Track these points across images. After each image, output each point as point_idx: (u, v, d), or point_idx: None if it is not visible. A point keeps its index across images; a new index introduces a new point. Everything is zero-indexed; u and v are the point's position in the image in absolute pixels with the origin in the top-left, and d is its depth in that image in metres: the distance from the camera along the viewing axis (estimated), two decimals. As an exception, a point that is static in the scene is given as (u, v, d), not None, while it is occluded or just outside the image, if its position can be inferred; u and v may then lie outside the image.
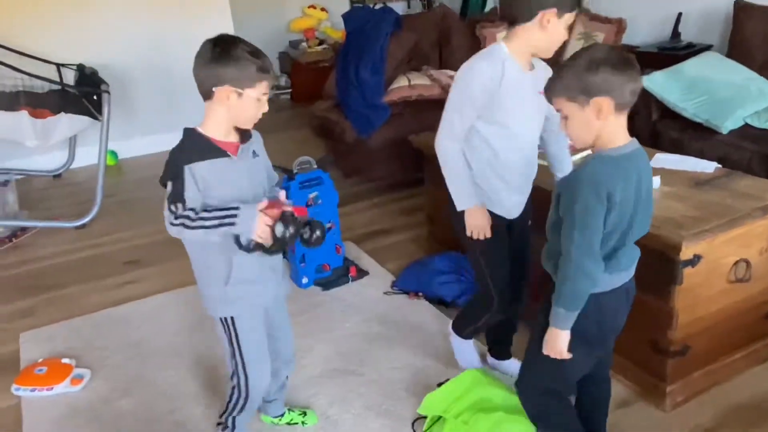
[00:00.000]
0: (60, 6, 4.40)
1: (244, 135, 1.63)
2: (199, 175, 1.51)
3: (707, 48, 3.81)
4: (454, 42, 4.34)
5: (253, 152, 1.65)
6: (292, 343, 1.94)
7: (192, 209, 1.50)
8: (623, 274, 1.54)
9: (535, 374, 1.69)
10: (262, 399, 1.89)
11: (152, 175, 4.41)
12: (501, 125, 1.82)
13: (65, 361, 2.39)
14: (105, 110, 3.66)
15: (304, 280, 2.89)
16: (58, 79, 4.11)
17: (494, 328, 2.18)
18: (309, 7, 6.33)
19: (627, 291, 1.58)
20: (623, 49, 1.47)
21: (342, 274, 2.94)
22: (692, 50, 3.80)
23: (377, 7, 4.22)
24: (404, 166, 3.82)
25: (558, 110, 1.47)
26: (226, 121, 1.58)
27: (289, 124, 5.49)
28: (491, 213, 1.92)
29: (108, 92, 3.68)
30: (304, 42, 6.24)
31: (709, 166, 2.26)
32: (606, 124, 1.41)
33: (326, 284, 2.89)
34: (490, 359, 2.29)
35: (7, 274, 3.23)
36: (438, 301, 2.69)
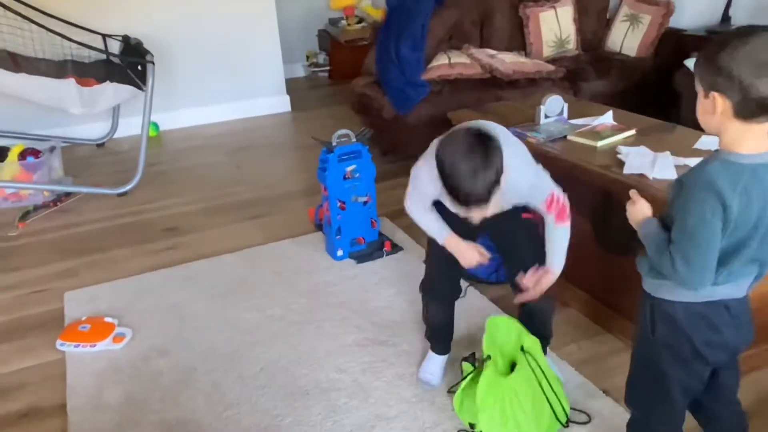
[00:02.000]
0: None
1: None
2: None
3: (759, 32, 3.69)
4: (496, 21, 4.29)
5: None
6: None
7: None
8: (720, 288, 1.34)
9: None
10: None
11: (191, 147, 4.58)
12: None
13: (108, 319, 2.47)
14: (149, 80, 3.72)
15: (339, 253, 2.92)
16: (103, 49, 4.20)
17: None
18: (350, -16, 6.31)
19: (727, 308, 1.36)
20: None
21: (377, 248, 2.96)
22: (743, 34, 3.68)
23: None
24: (441, 144, 3.81)
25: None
26: None
27: (328, 101, 5.52)
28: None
29: (153, 63, 3.74)
30: (344, 20, 6.23)
31: (756, 150, 2.20)
32: (726, 125, 1.23)
33: (360, 257, 2.92)
34: None
35: (51, 236, 3.33)
36: (472, 278, 2.69)
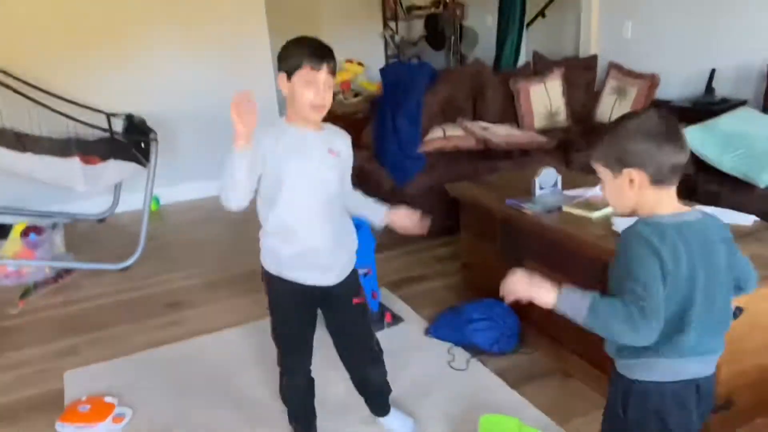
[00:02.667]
0: (108, 59, 4.64)
1: None
2: None
3: (742, 103, 3.84)
4: (488, 95, 4.45)
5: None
6: None
7: None
8: (690, 364, 1.37)
9: None
10: None
11: (192, 220, 4.64)
12: None
13: (108, 399, 2.45)
14: (152, 157, 3.81)
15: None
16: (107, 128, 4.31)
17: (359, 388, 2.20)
18: (346, 61, 6.55)
19: (698, 387, 1.39)
20: (672, 119, 1.38)
21: (377, 319, 2.97)
22: (726, 105, 3.83)
23: (413, 61, 4.35)
24: (438, 214, 3.83)
25: (597, 173, 1.41)
26: None
27: (325, 172, 5.62)
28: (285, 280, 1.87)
29: (156, 140, 3.84)
30: (341, 94, 6.43)
31: (747, 219, 2.27)
32: (642, 195, 1.34)
33: (362, 330, 2.92)
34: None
35: (52, 313, 3.33)
36: (473, 348, 2.70)
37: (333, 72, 1.74)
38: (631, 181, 1.34)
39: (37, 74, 4.22)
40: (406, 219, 1.99)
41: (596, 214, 2.43)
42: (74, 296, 3.51)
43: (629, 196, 1.36)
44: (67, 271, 3.77)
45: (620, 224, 2.28)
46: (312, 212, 1.82)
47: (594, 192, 2.63)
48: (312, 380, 2.09)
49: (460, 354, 2.68)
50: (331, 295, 1.93)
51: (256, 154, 1.67)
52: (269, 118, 5.33)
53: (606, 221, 2.37)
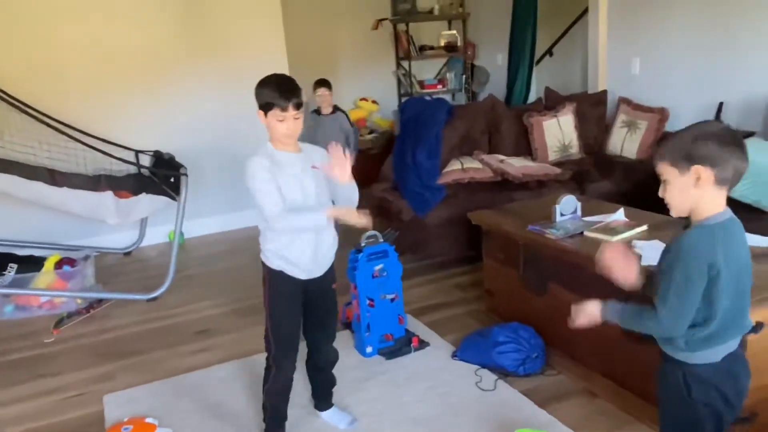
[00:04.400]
0: (133, 99, 4.84)
1: None
2: None
3: (750, 135, 3.97)
4: (502, 129, 4.60)
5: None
6: None
7: None
8: (735, 341, 1.59)
9: None
10: None
11: (217, 252, 4.77)
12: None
13: (149, 420, 2.54)
14: (182, 191, 3.95)
15: (369, 349, 3.01)
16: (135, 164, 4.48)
17: (312, 379, 2.53)
18: (361, 99, 6.77)
19: (738, 356, 1.61)
20: (739, 132, 1.56)
21: (404, 344, 3.06)
22: (735, 136, 3.96)
23: (430, 98, 4.53)
24: (458, 243, 4.00)
25: (660, 174, 1.53)
26: None
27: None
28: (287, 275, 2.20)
29: (186, 175, 4.00)
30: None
31: (763, 241, 2.38)
32: (704, 194, 1.47)
33: (389, 353, 3.01)
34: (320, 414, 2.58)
35: (86, 341, 3.43)
36: (499, 371, 2.77)
37: (299, 105, 2.07)
38: (698, 178, 1.45)
39: (65, 113, 4.40)
40: (352, 216, 2.19)
41: (617, 238, 2.54)
42: (106, 325, 3.62)
43: (692, 194, 1.48)
44: (99, 302, 3.88)
45: (642, 248, 2.39)
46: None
47: (614, 218, 2.75)
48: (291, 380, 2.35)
49: (487, 375, 2.76)
50: (317, 284, 2.27)
51: (273, 183, 2.08)
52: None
53: (627, 244, 2.47)
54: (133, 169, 4.31)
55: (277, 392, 2.32)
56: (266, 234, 2.20)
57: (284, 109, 2.04)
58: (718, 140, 1.44)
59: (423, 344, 3.09)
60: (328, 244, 2.26)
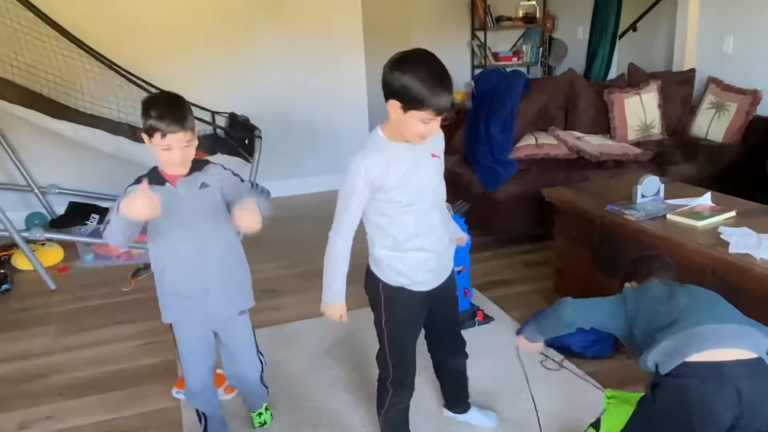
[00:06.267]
0: (214, 62, 4.91)
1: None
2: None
3: None
4: (580, 105, 4.45)
5: (202, 184, 1.91)
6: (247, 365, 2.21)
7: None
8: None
9: None
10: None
11: (283, 217, 4.82)
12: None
13: (219, 371, 2.61)
14: (256, 153, 4.02)
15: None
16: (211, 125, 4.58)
17: (444, 381, 2.28)
18: (433, 68, 6.66)
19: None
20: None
21: (469, 317, 3.04)
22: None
23: (506, 71, 4.41)
24: (527, 220, 3.93)
25: None
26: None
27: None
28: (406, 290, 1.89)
29: (260, 137, 4.05)
30: (427, 101, 6.54)
31: None
32: None
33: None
34: (447, 413, 2.35)
35: (148, 295, 3.56)
36: (565, 351, 2.72)
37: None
38: None
39: (145, 72, 4.50)
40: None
41: (702, 223, 2.43)
42: (179, 278, 3.74)
43: None
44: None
45: (729, 234, 2.28)
46: None
47: (699, 202, 2.62)
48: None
49: (553, 355, 2.72)
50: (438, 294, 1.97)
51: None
52: (362, 122, 5.47)
53: (713, 230, 2.37)
54: (209, 130, 4.41)
55: (396, 419, 2.08)
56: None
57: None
58: None
59: (487, 319, 3.06)
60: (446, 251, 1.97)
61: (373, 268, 1.91)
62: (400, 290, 1.88)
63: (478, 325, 3.02)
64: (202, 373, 2.10)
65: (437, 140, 1.88)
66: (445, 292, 2.01)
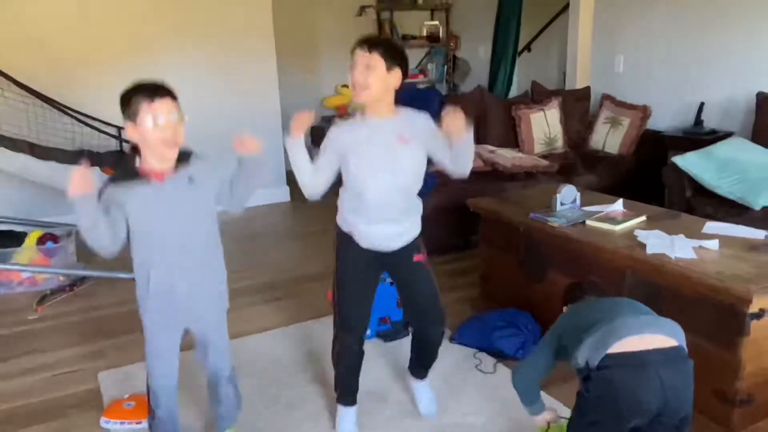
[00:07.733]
0: (120, 76, 4.68)
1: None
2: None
3: (729, 134, 4.13)
4: (490, 120, 4.67)
5: (189, 179, 1.89)
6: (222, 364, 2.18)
7: None
8: None
9: None
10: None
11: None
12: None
13: (150, 397, 2.49)
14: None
15: (367, 332, 3.02)
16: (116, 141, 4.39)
17: (416, 346, 2.44)
18: (343, 86, 6.73)
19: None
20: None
21: (401, 327, 3.09)
22: (715, 136, 4.12)
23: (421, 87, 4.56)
24: (446, 231, 4.05)
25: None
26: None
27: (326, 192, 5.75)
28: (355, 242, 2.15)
29: (175, 153, 3.92)
30: (337, 118, 6.57)
31: (759, 234, 2.49)
32: None
33: (386, 336, 3.04)
34: (410, 379, 2.52)
35: (73, 319, 3.36)
36: (498, 354, 2.83)
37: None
38: None
39: (51, 88, 4.27)
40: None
41: (619, 227, 2.62)
42: (92, 303, 3.54)
43: None
44: (82, 280, 3.79)
45: (645, 236, 2.47)
46: None
47: (613, 208, 2.83)
48: (362, 353, 2.28)
49: (486, 359, 2.82)
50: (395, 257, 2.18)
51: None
52: (276, 143, 5.42)
53: (629, 233, 2.56)
54: (113, 146, 4.24)
55: (342, 369, 2.29)
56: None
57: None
58: None
59: (419, 328, 3.12)
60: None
61: (337, 216, 2.20)
62: (350, 238, 2.14)
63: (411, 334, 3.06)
64: (165, 375, 2.04)
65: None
66: (403, 264, 2.21)
